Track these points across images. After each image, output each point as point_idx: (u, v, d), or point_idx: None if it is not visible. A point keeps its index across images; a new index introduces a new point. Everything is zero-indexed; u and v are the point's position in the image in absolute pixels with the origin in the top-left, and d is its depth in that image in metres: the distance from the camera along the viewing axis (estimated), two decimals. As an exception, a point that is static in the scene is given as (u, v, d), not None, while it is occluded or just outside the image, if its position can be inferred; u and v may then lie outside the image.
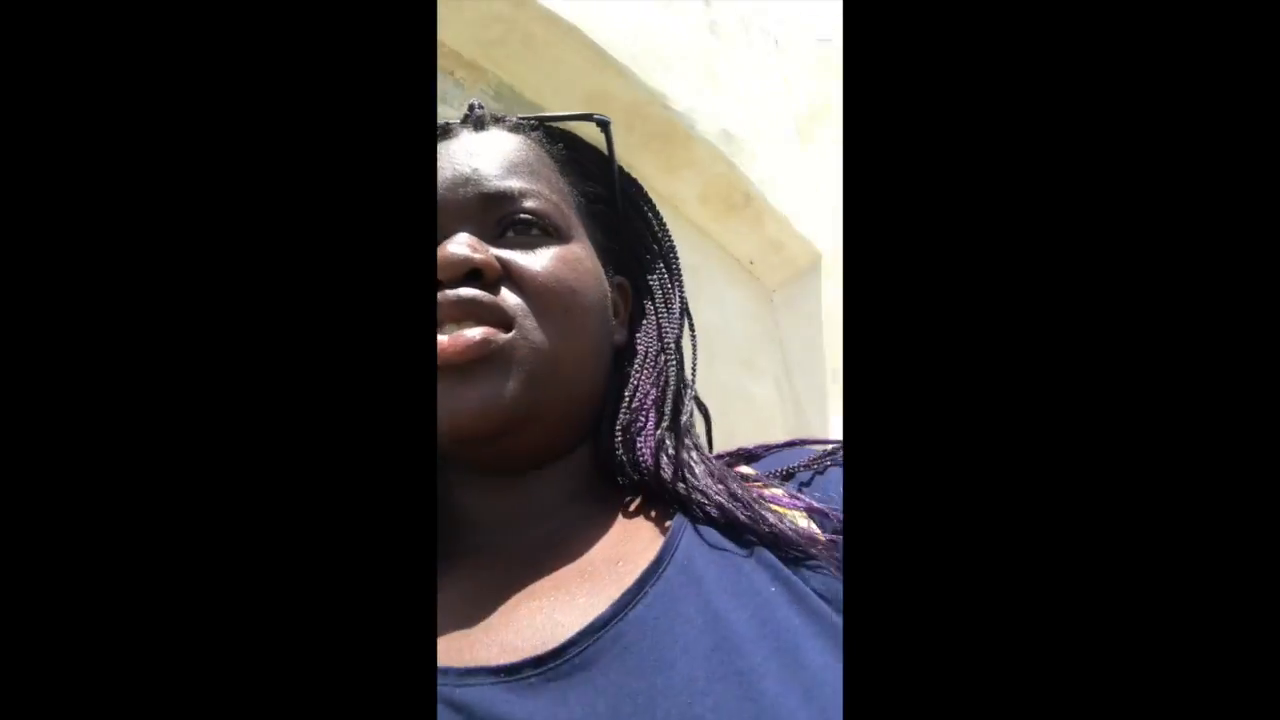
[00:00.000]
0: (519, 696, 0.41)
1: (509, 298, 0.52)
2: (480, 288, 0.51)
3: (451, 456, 0.54)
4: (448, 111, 1.56)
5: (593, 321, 0.56)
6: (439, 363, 0.49)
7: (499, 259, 0.52)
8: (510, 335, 0.51)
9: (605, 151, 0.64)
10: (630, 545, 0.49)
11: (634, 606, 0.43)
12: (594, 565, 0.48)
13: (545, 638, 0.43)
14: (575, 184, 0.61)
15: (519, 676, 0.41)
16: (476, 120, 0.60)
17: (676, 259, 0.65)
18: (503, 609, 0.47)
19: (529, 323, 0.52)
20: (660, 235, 0.64)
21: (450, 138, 0.59)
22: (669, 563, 0.46)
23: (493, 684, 0.41)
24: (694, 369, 0.62)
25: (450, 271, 0.50)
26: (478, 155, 0.56)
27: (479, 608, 0.47)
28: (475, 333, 0.49)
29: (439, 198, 0.54)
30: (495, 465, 0.54)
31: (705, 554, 0.47)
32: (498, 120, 0.61)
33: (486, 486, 0.55)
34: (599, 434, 0.57)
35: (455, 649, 0.45)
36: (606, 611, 0.43)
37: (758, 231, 2.09)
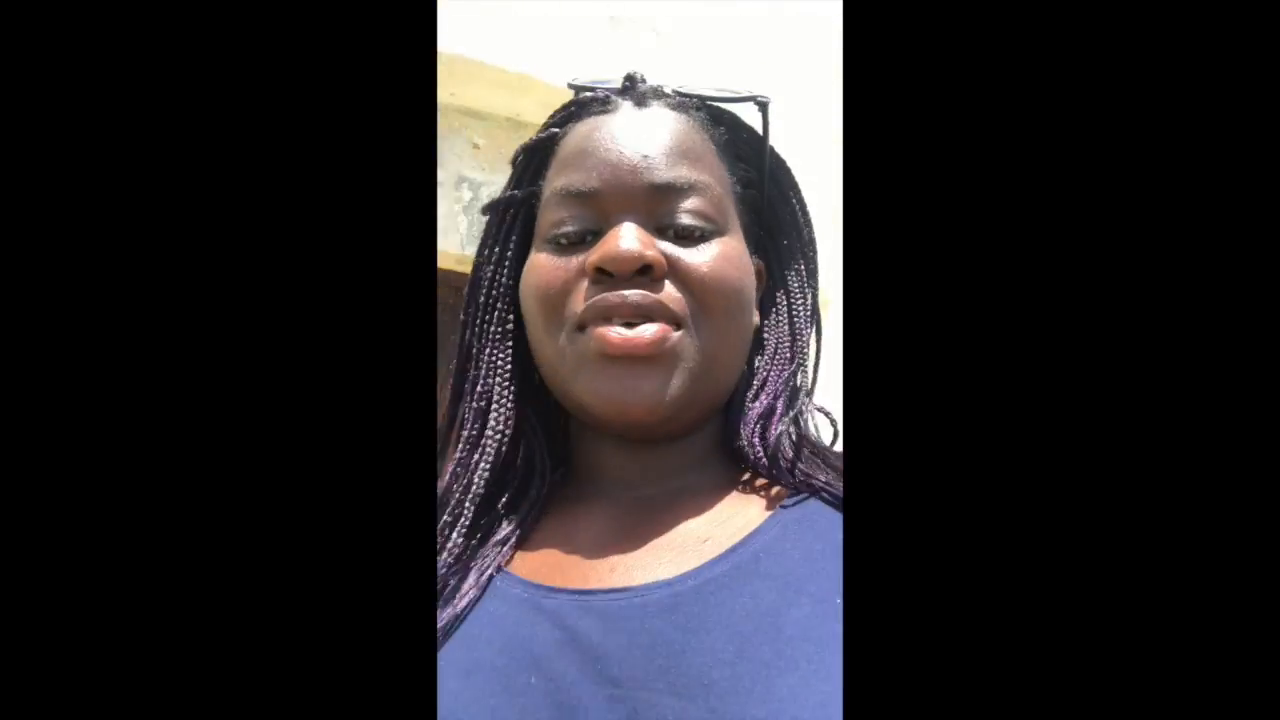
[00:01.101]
0: (584, 613, 0.48)
1: (676, 296, 0.53)
2: (647, 283, 0.52)
3: (592, 423, 0.57)
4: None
5: (746, 316, 0.58)
6: (614, 352, 0.52)
7: (666, 255, 0.53)
8: (680, 334, 0.53)
9: (760, 132, 0.62)
10: (723, 527, 0.52)
11: (696, 578, 0.48)
12: (685, 538, 0.52)
13: (620, 580, 0.50)
14: (731, 168, 0.59)
15: (589, 599, 0.49)
16: (638, 95, 0.58)
17: (815, 253, 0.64)
18: (598, 551, 0.53)
19: (695, 322, 0.54)
20: (804, 226, 0.63)
21: (609, 111, 0.57)
22: (744, 550, 0.50)
23: (569, 600, 0.49)
24: (816, 370, 0.63)
25: (622, 266, 0.51)
26: (644, 138, 0.55)
27: (581, 545, 0.54)
28: (652, 328, 0.52)
29: (600, 177, 0.54)
30: (635, 436, 0.57)
31: (794, 544, 0.50)
32: (659, 95, 0.58)
33: (619, 449, 0.58)
34: (729, 414, 0.59)
35: (551, 570, 0.53)
36: (674, 576, 0.49)
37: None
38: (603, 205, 0.54)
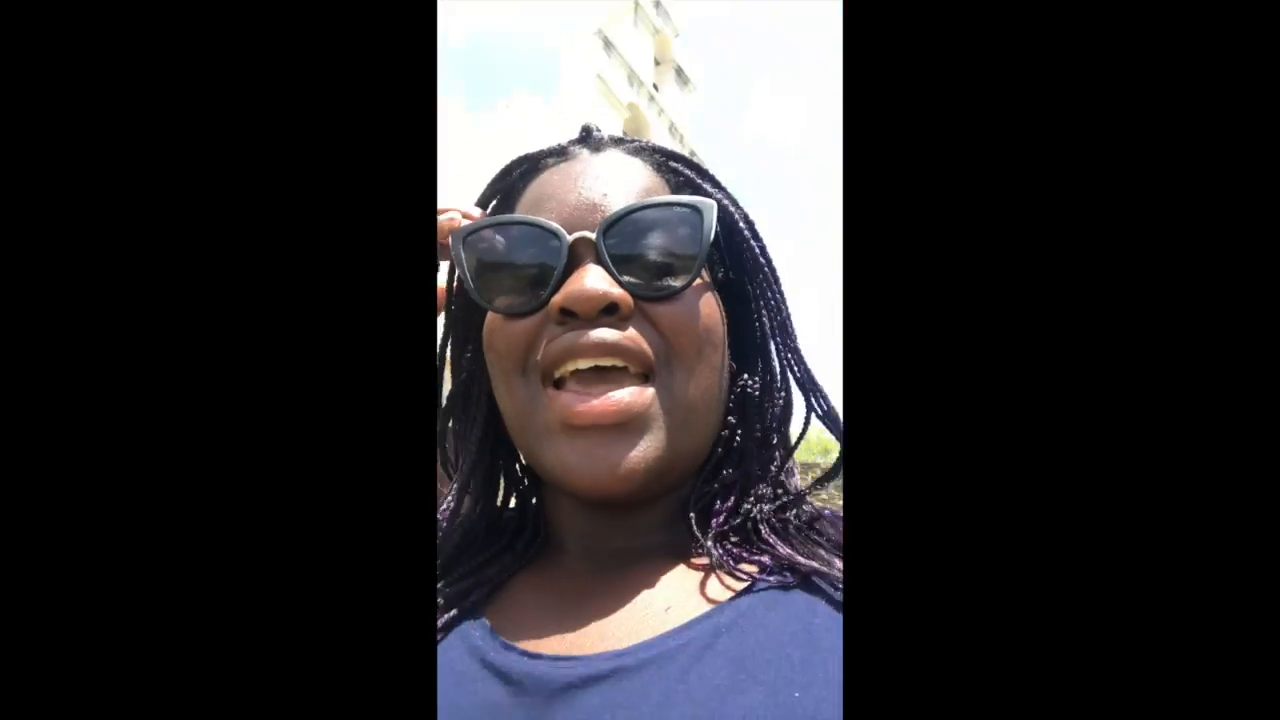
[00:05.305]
0: (526, 676, 0.46)
1: (647, 338, 0.50)
2: (613, 323, 0.49)
3: (562, 489, 0.53)
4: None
5: (720, 361, 0.53)
6: (579, 422, 0.48)
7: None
8: (652, 391, 0.50)
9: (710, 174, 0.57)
10: (689, 595, 0.49)
11: (648, 650, 0.45)
12: (646, 606, 0.49)
13: (571, 647, 0.48)
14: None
15: (535, 663, 0.47)
16: (595, 143, 0.57)
17: (783, 298, 0.58)
18: (553, 610, 0.51)
19: (667, 370, 0.50)
20: (766, 271, 0.57)
21: (567, 159, 0.56)
22: (704, 623, 0.46)
23: (518, 657, 0.48)
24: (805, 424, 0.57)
25: (588, 306, 0.48)
26: (603, 180, 0.53)
27: (542, 604, 0.52)
28: (622, 395, 0.48)
29: (560, 219, 0.51)
30: (608, 504, 0.52)
31: (761, 624, 0.46)
32: (617, 142, 0.58)
33: (580, 511, 0.55)
34: (698, 481, 0.55)
35: (513, 625, 0.51)
36: (625, 647, 0.46)
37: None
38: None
